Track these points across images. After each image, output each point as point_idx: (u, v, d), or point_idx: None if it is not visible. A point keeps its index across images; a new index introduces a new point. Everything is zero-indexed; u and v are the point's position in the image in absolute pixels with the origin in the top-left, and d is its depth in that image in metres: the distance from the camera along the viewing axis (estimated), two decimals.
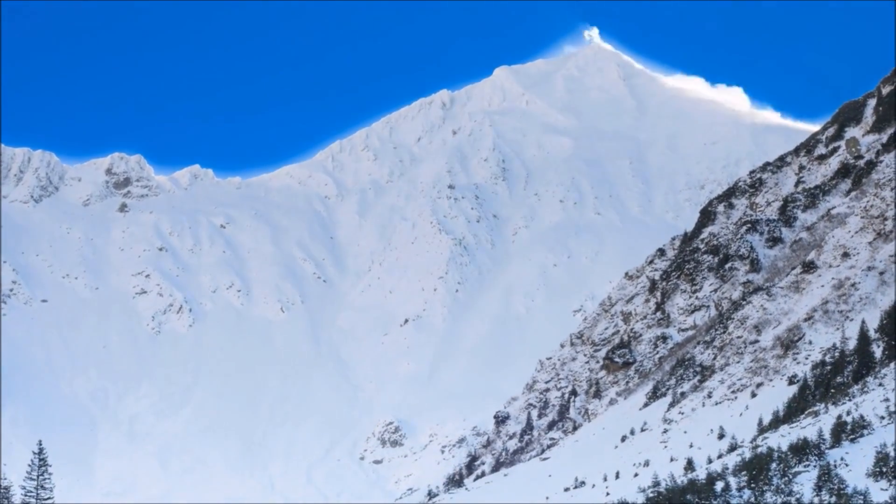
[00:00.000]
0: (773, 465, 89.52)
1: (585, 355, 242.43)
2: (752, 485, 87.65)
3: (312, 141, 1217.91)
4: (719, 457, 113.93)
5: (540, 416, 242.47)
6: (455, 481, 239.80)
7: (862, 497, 76.31)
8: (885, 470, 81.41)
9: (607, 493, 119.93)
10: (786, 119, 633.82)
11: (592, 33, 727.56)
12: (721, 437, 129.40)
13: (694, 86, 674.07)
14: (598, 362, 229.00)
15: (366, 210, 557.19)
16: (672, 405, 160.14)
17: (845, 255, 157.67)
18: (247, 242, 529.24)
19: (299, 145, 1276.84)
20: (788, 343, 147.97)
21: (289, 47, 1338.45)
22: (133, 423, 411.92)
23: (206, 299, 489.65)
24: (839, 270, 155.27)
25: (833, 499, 78.24)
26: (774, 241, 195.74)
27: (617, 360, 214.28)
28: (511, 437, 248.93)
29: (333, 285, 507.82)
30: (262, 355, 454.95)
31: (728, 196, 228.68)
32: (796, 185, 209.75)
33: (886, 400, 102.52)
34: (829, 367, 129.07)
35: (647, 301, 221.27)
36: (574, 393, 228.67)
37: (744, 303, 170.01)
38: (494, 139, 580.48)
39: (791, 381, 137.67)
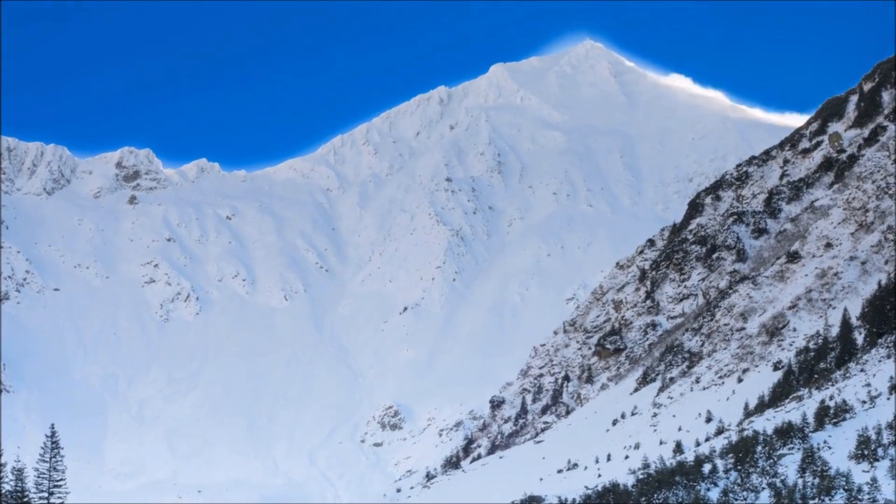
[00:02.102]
0: (759, 448, 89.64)
1: (578, 342, 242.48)
2: (739, 466, 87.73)
3: (315, 135, 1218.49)
4: (707, 440, 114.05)
5: (534, 400, 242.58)
6: (452, 463, 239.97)
7: (844, 478, 76.38)
8: (866, 452, 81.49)
9: (599, 475, 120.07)
10: (771, 115, 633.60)
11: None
12: (708, 420, 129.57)
13: (681, 84, 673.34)
14: (590, 349, 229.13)
15: (366, 202, 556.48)
16: (661, 390, 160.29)
17: (828, 245, 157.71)
18: (252, 233, 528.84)
19: (302, 140, 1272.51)
20: (773, 330, 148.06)
21: (292, 46, 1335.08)
22: (142, 407, 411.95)
23: (212, 288, 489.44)
24: (822, 260, 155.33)
25: (816, 480, 78.27)
26: (760, 231, 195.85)
27: (608, 346, 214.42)
28: (506, 421, 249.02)
29: (335, 274, 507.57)
30: (266, 342, 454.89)
31: (715, 189, 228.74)
32: (781, 178, 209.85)
33: (868, 385, 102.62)
34: (812, 354, 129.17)
35: (638, 290, 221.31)
36: (567, 378, 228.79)
37: (730, 291, 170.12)
38: (490, 134, 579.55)
39: (776, 367, 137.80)
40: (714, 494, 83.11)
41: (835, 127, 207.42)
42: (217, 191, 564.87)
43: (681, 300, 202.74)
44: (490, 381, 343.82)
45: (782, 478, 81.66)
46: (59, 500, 78.29)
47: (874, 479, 74.80)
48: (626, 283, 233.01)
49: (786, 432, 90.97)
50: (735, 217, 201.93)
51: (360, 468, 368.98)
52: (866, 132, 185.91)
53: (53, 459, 78.17)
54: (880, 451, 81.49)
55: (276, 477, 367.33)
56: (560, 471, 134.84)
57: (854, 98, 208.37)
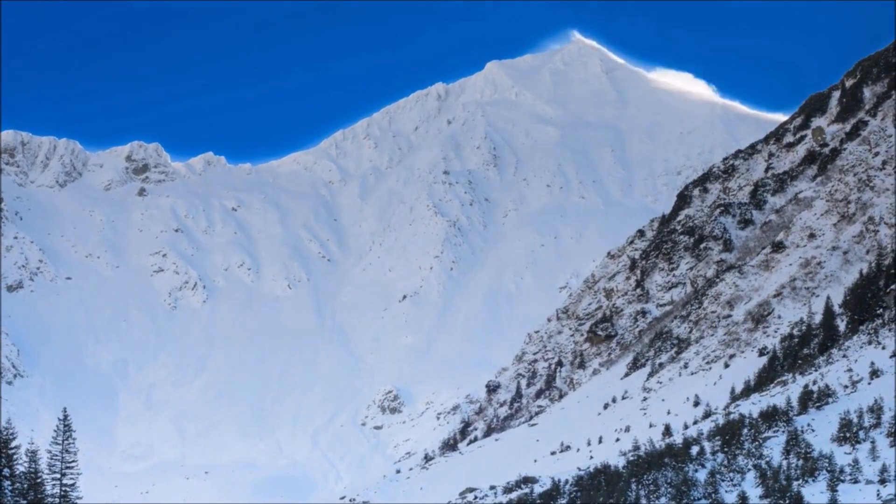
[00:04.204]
0: (745, 431, 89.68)
1: (571, 329, 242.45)
2: (725, 449, 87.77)
3: (317, 130, 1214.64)
4: (695, 423, 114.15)
5: (528, 385, 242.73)
6: (450, 446, 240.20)
7: (827, 460, 76.45)
8: (848, 435, 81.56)
9: (591, 457, 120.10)
10: (756, 110, 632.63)
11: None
12: (696, 404, 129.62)
13: (670, 80, 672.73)
14: (582, 335, 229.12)
15: (367, 194, 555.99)
16: (651, 375, 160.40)
17: (811, 235, 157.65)
18: (256, 224, 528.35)
19: (305, 134, 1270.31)
20: (759, 317, 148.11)
21: (296, 44, 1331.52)
22: (151, 392, 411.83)
23: (218, 277, 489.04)
24: (806, 250, 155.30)
25: (800, 461, 78.32)
26: (746, 222, 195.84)
27: (600, 333, 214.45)
28: (502, 405, 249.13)
29: (337, 264, 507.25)
30: (270, 329, 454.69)
31: (703, 181, 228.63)
32: (766, 170, 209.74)
33: (850, 370, 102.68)
34: (796, 340, 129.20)
35: (628, 278, 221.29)
36: (560, 364, 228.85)
37: (717, 280, 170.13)
38: (486, 128, 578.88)
39: (761, 353, 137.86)
40: (702, 475, 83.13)
41: (818, 122, 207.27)
42: (223, 183, 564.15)
43: (669, 288, 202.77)
44: (486, 367, 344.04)
45: (767, 459, 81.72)
46: (71, 482, 78.20)
47: (856, 461, 74.89)
48: (617, 272, 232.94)
49: (771, 416, 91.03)
50: (722, 208, 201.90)
51: (360, 450, 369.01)
52: (848, 127, 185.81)
53: (66, 442, 78.01)
54: (861, 434, 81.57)
55: (280, 459, 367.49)
56: (553, 453, 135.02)
57: (836, 94, 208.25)
